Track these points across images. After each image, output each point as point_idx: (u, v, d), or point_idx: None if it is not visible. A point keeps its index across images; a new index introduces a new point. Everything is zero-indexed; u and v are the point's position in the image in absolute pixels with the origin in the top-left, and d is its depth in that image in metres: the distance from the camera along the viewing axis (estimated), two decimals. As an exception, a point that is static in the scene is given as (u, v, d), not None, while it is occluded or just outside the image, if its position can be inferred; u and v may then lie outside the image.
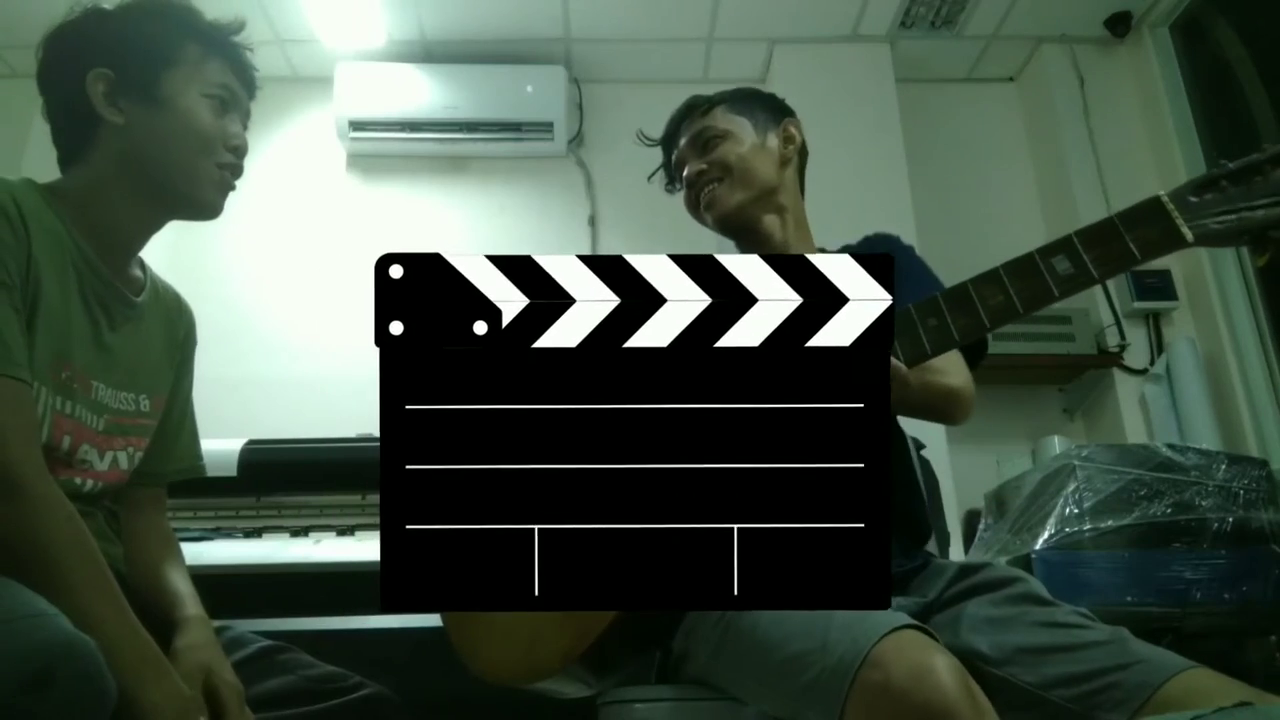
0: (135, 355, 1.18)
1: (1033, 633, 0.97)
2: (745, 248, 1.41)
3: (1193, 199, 0.94)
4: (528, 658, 1.11)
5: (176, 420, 1.29)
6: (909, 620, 0.87)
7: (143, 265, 1.24)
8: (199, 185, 1.13)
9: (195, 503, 2.11)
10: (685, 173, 1.43)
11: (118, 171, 1.11)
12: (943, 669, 0.77)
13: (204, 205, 1.15)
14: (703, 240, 1.40)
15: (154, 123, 1.11)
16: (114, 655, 0.85)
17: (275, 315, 3.12)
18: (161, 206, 1.15)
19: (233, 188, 1.18)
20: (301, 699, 1.12)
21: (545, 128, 3.24)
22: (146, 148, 1.11)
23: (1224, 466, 2.03)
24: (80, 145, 1.13)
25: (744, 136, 1.41)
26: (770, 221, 1.38)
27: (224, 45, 1.17)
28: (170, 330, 1.27)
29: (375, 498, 2.20)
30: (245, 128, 1.20)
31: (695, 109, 1.45)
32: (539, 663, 1.09)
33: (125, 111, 1.10)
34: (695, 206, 1.43)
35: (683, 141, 1.45)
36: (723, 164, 1.39)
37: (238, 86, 1.17)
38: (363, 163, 3.33)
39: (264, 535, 2.11)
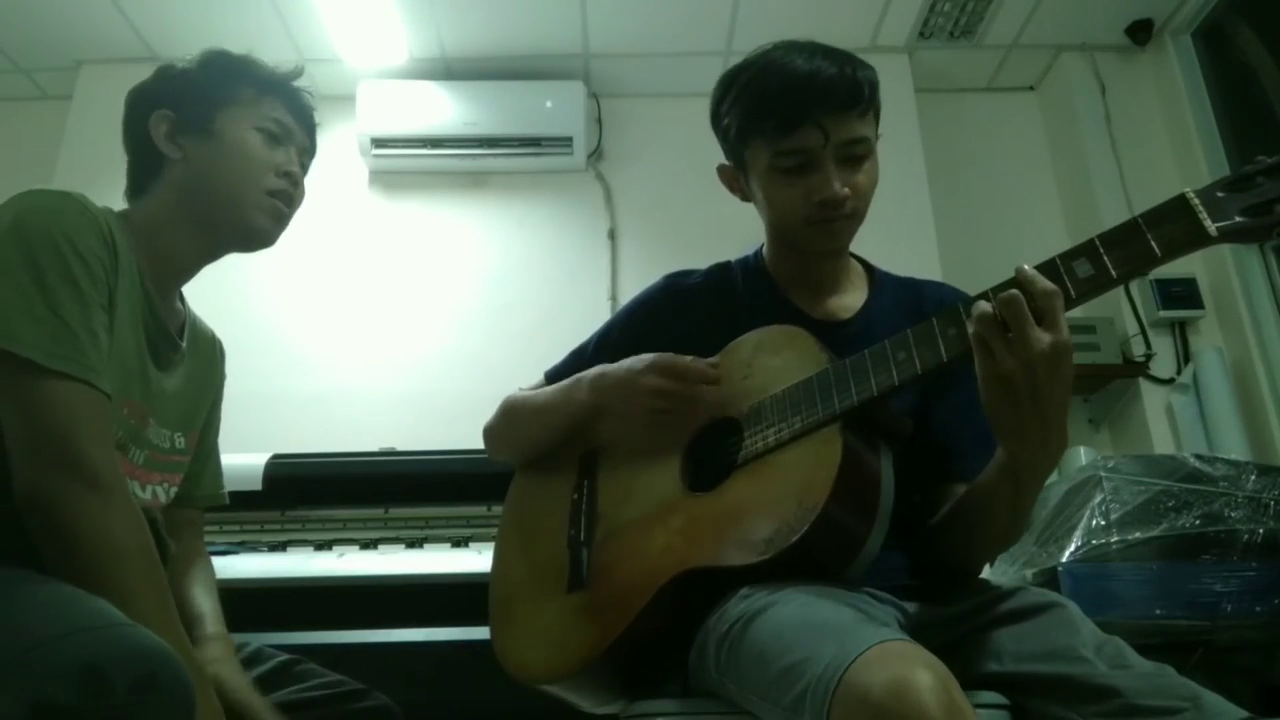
0: (176, 394, 1.23)
1: (1073, 664, 0.95)
2: (813, 270, 1.30)
3: (1221, 194, 0.92)
4: (554, 658, 1.14)
5: (206, 453, 1.36)
6: (897, 634, 0.86)
7: (182, 299, 1.30)
8: (248, 210, 1.21)
9: (221, 517, 2.13)
10: (829, 190, 1.16)
11: (177, 202, 1.20)
12: (923, 683, 0.76)
13: (254, 230, 1.22)
14: (721, 253, 1.40)
15: (208, 154, 1.20)
16: None
17: (299, 331, 3.15)
18: (217, 234, 1.22)
19: (285, 215, 1.24)
20: (312, 707, 1.19)
21: (565, 143, 3.26)
22: (201, 177, 1.19)
23: (1253, 477, 2.01)
24: (146, 180, 1.22)
25: (875, 156, 1.22)
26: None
27: (278, 86, 1.26)
28: (208, 371, 1.34)
29: (398, 511, 2.22)
30: (305, 165, 1.28)
31: (858, 100, 1.17)
32: (562, 663, 1.13)
33: (184, 147, 1.20)
34: (811, 223, 1.20)
35: (833, 134, 1.16)
36: (863, 195, 1.20)
37: (292, 122, 1.25)
38: (385, 179, 3.36)
39: (288, 549, 2.13)
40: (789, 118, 1.15)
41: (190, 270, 1.25)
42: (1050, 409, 0.94)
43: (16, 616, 0.85)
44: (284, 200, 1.23)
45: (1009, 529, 1.10)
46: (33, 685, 0.77)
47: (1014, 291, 0.93)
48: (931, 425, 1.18)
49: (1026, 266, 0.96)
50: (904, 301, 1.29)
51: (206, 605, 1.23)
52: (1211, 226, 0.90)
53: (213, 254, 1.25)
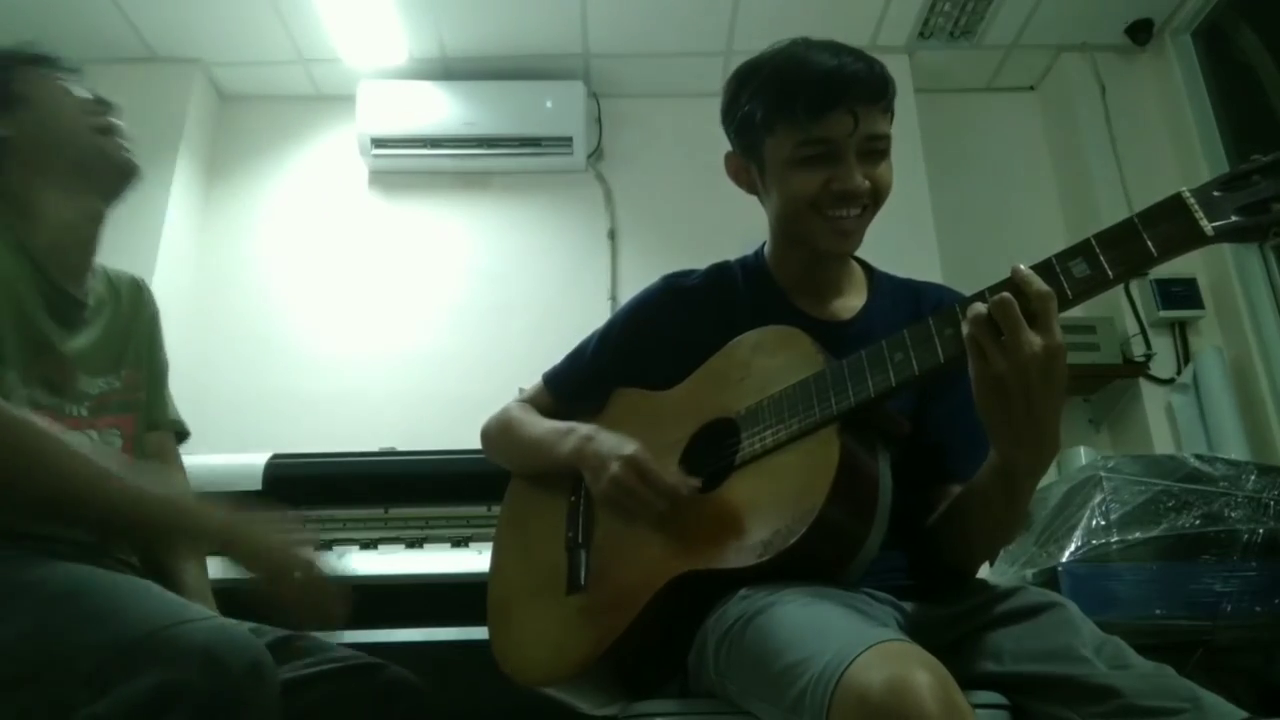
0: (96, 344, 1.28)
1: (1073, 665, 0.94)
2: (817, 272, 1.29)
3: (1217, 194, 0.92)
4: (553, 660, 1.15)
5: (157, 380, 1.40)
6: (896, 634, 0.86)
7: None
8: (89, 146, 1.26)
9: (220, 517, 2.13)
10: (851, 181, 1.16)
11: (31, 169, 1.24)
12: (922, 683, 0.76)
13: (109, 157, 1.27)
14: (721, 253, 1.39)
15: (32, 116, 1.24)
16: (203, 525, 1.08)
17: (299, 331, 3.15)
18: (81, 179, 1.27)
19: (123, 139, 1.29)
20: (329, 681, 1.18)
21: (564, 143, 3.26)
22: (36, 140, 1.24)
23: (1253, 477, 2.01)
24: None
25: (891, 158, 1.21)
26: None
27: (46, 59, 1.31)
28: (129, 311, 1.37)
29: (398, 511, 2.22)
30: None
31: (883, 94, 1.17)
32: (561, 665, 1.13)
33: (8, 122, 1.24)
34: (821, 210, 1.19)
35: (862, 123, 1.15)
36: (880, 192, 1.20)
37: (67, 71, 1.31)
38: (385, 179, 3.36)
39: (288, 549, 2.12)
40: (822, 102, 1.15)
41: (81, 230, 1.28)
42: (1043, 411, 0.94)
43: (122, 604, 0.92)
44: (112, 129, 1.28)
45: (1004, 530, 1.11)
46: (160, 667, 0.83)
47: (1006, 294, 0.93)
48: (928, 426, 1.18)
49: (1022, 267, 0.95)
50: (903, 303, 1.29)
51: (198, 584, 1.27)
52: (1208, 226, 0.90)
53: (92, 204, 1.28)
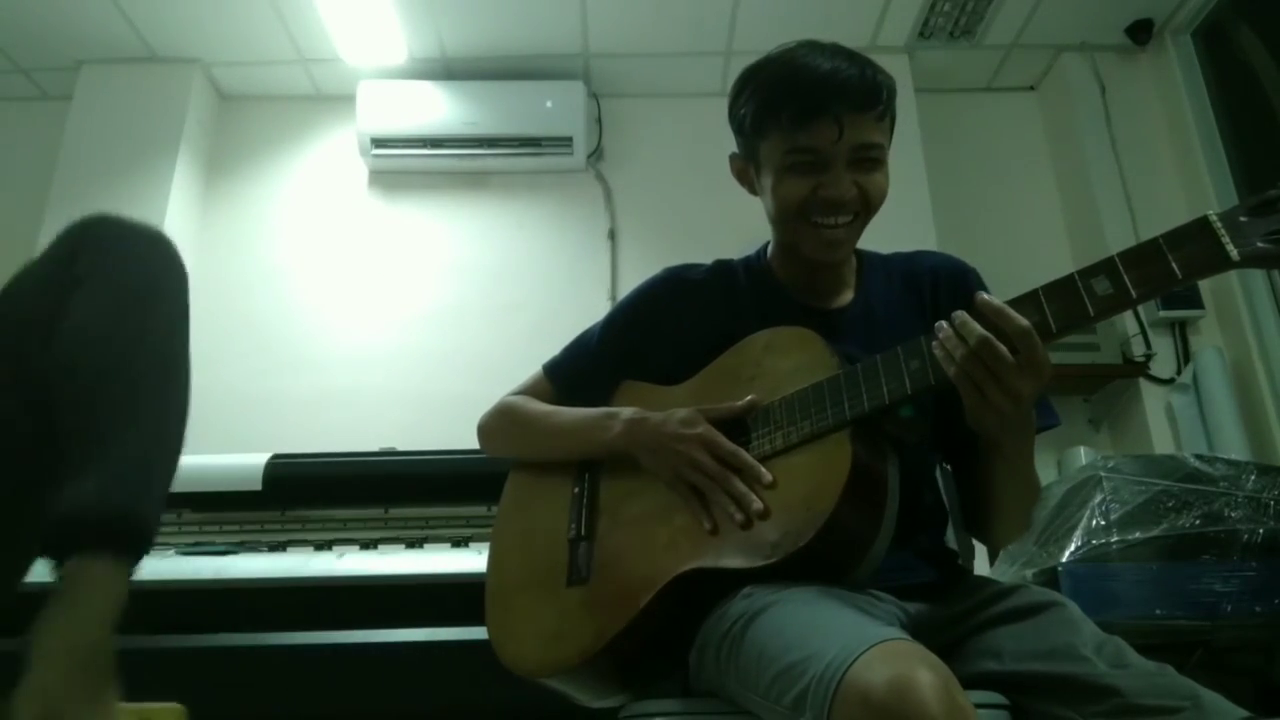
0: None
1: (1073, 664, 0.94)
2: (819, 276, 1.28)
3: (1244, 219, 0.91)
4: (551, 651, 1.14)
5: None
6: (898, 634, 0.87)
7: None
8: None
9: (220, 516, 2.13)
10: (838, 190, 1.16)
11: None
12: (925, 682, 0.76)
13: None
14: (721, 254, 1.39)
15: None
16: None
17: (299, 330, 3.15)
18: None
19: None
20: None
21: (565, 143, 3.26)
22: None
23: (1253, 477, 2.01)
24: None
25: (887, 168, 1.20)
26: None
27: None
28: None
29: (398, 511, 2.22)
30: None
31: (875, 102, 1.16)
32: (559, 657, 1.12)
33: None
34: (807, 216, 1.19)
35: (848, 131, 1.14)
36: (871, 200, 1.18)
37: None
38: (385, 179, 3.37)
39: (288, 549, 2.12)
40: (806, 110, 1.14)
41: None
42: (1029, 403, 0.99)
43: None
44: None
45: (1023, 491, 1.13)
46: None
47: (991, 345, 0.95)
48: (954, 417, 1.18)
49: (997, 300, 0.97)
50: (895, 276, 1.30)
51: None
52: (1234, 251, 0.89)
53: None
